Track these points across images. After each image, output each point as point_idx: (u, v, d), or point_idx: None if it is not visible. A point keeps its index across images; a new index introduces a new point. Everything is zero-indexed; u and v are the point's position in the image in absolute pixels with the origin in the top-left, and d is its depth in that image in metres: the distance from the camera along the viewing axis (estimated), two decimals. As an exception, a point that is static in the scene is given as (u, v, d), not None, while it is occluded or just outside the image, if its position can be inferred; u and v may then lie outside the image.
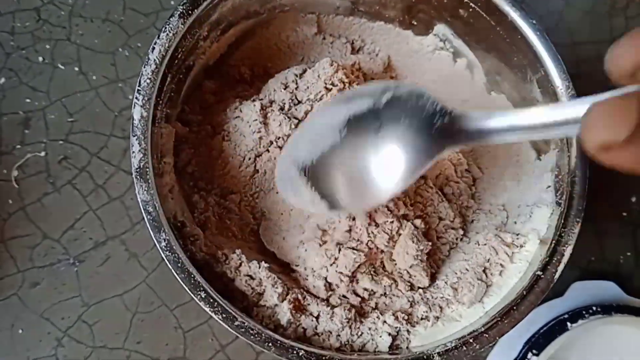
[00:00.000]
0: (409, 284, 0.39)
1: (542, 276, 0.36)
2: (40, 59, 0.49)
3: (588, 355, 0.46)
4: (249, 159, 0.38)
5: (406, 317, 0.37)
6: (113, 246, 0.47)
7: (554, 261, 0.36)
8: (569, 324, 0.44)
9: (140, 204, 0.32)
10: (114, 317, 0.46)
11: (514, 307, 0.35)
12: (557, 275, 0.36)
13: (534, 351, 0.43)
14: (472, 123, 0.29)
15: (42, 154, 0.48)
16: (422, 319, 0.38)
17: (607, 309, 0.45)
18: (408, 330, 0.37)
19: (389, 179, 0.31)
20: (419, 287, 0.40)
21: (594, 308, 0.45)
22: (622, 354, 0.47)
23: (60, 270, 0.46)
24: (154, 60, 0.34)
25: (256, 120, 0.37)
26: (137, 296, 0.46)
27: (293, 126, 0.37)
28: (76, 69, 0.50)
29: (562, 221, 0.37)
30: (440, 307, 0.39)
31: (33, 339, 0.45)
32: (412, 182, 0.31)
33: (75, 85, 0.49)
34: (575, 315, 0.45)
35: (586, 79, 0.52)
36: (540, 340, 0.44)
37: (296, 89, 0.39)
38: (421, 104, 0.30)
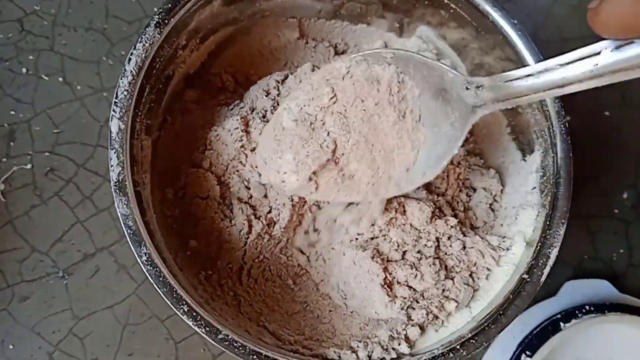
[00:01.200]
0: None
1: (529, 279, 0.36)
2: (24, 70, 0.49)
3: (582, 355, 0.46)
4: (232, 167, 0.38)
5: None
6: (102, 258, 0.47)
7: (540, 264, 0.36)
8: (562, 324, 0.44)
9: (120, 218, 0.32)
10: (104, 330, 0.46)
11: (501, 312, 0.35)
12: (543, 278, 0.36)
13: (528, 352, 0.43)
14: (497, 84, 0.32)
15: (29, 166, 0.48)
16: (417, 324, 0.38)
17: (601, 307, 0.45)
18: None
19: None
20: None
21: (588, 307, 0.45)
22: (617, 353, 0.46)
23: (50, 284, 0.46)
24: (131, 71, 0.33)
25: (237, 128, 0.36)
26: (128, 308, 0.46)
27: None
28: (60, 79, 0.49)
29: (548, 223, 0.36)
30: (434, 313, 0.38)
31: (24, 353, 0.45)
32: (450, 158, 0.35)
33: (60, 96, 0.49)
34: (569, 315, 0.44)
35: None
36: (533, 342, 0.44)
37: (278, 95, 0.38)
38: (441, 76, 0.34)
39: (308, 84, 0.35)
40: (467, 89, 0.34)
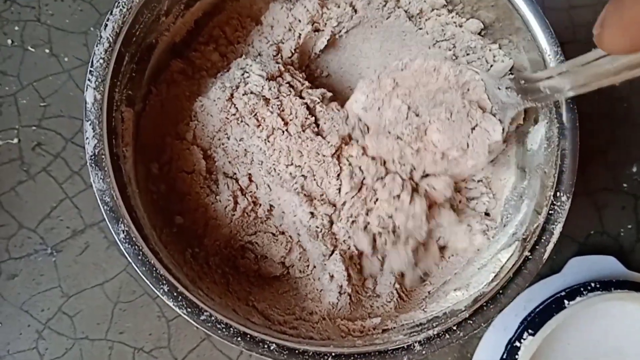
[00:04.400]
0: None
1: (531, 257, 0.34)
2: (9, 41, 0.47)
3: (587, 334, 0.44)
4: (218, 139, 0.36)
5: None
6: (92, 234, 0.45)
7: (542, 240, 0.34)
8: (566, 301, 0.42)
9: (96, 193, 0.30)
10: (95, 308, 0.45)
11: (501, 291, 0.33)
12: (545, 256, 0.33)
13: (530, 331, 0.42)
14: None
15: (15, 140, 0.46)
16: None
17: (607, 285, 0.43)
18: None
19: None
20: None
21: (593, 284, 0.43)
22: (623, 332, 0.45)
23: (38, 261, 0.45)
24: (107, 38, 0.31)
25: (220, 98, 0.34)
26: (118, 285, 0.45)
27: (258, 101, 0.34)
28: (47, 51, 0.48)
29: (552, 197, 0.34)
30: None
31: (13, 332, 0.44)
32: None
33: (47, 68, 0.47)
34: (573, 292, 0.43)
35: (582, 45, 0.50)
36: (536, 320, 0.42)
37: (264, 66, 0.36)
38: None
39: (368, 79, 0.36)
40: (499, 89, 0.35)
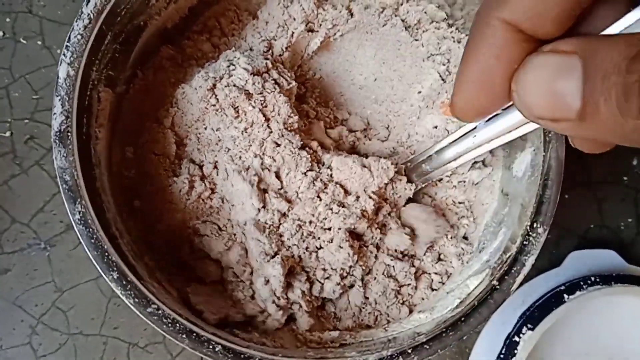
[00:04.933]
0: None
1: (498, 287, 0.32)
2: (1, 33, 0.47)
3: (587, 328, 0.44)
4: (195, 128, 0.35)
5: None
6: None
7: (512, 271, 0.32)
8: (566, 295, 0.42)
9: (57, 171, 0.29)
10: (89, 303, 0.44)
11: (462, 319, 0.32)
12: (514, 288, 0.32)
13: (529, 325, 0.41)
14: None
15: (7, 134, 0.45)
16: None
17: (607, 279, 0.43)
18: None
19: None
20: None
21: (593, 278, 0.42)
22: (624, 326, 0.44)
23: (32, 256, 0.44)
24: (88, 14, 0.30)
25: (202, 87, 0.34)
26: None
27: (240, 94, 0.34)
28: (39, 42, 0.47)
29: (528, 227, 0.33)
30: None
31: (6, 327, 0.44)
32: None
33: (39, 61, 0.47)
34: (573, 286, 0.42)
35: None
36: (535, 314, 0.42)
37: (252, 60, 0.35)
38: None
39: None
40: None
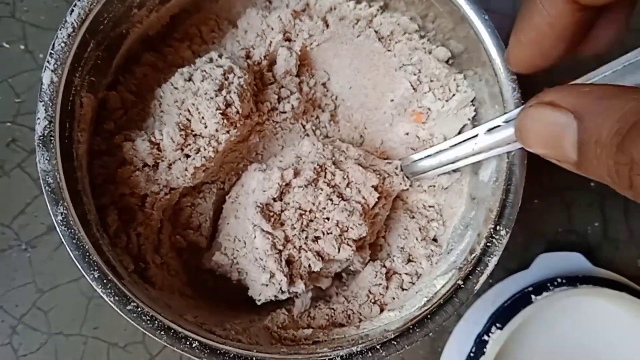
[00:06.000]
0: None
1: (463, 286, 0.33)
2: (-16, 37, 0.47)
3: (553, 327, 0.46)
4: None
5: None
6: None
7: (476, 271, 0.34)
8: (533, 296, 0.43)
9: (40, 174, 0.30)
10: (69, 303, 0.45)
11: (429, 316, 0.33)
12: (477, 287, 0.33)
13: (498, 325, 0.43)
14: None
15: (-11, 137, 0.46)
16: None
17: (572, 280, 0.44)
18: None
19: None
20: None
21: (559, 280, 0.44)
22: (588, 325, 0.46)
23: (12, 257, 0.45)
24: (72, 23, 0.31)
25: (179, 82, 0.34)
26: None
27: (215, 91, 0.34)
28: (22, 47, 0.48)
29: (492, 230, 0.34)
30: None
31: (-14, 327, 0.44)
32: None
33: (22, 65, 0.47)
34: (540, 287, 0.44)
35: (539, 84, 0.51)
36: (504, 314, 0.43)
37: (226, 71, 0.36)
38: None
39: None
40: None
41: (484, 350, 0.42)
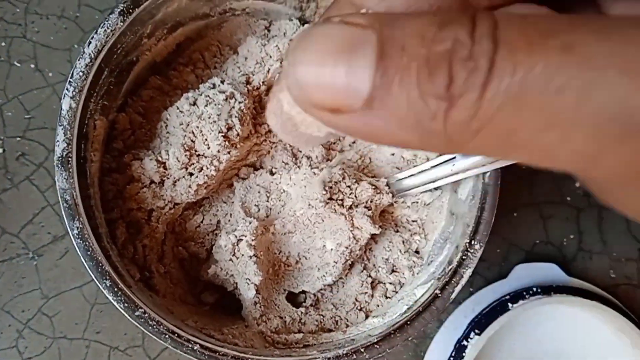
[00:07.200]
0: None
1: (440, 295, 0.37)
2: (-4, 56, 0.50)
3: (529, 334, 0.49)
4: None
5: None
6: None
7: (452, 282, 0.37)
8: (510, 304, 0.46)
9: (59, 191, 0.33)
10: (73, 309, 0.48)
11: (408, 322, 0.36)
12: (453, 295, 0.36)
13: (477, 331, 0.46)
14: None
15: (0, 150, 0.49)
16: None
17: (547, 289, 0.47)
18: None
19: None
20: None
21: (535, 289, 0.47)
22: (562, 332, 0.49)
23: (20, 264, 0.48)
24: (89, 54, 0.34)
25: (184, 106, 0.37)
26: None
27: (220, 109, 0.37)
28: (32, 66, 0.50)
29: (467, 244, 0.37)
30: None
31: (-6, 331, 0.47)
32: None
33: (32, 83, 0.50)
34: (516, 296, 0.47)
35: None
36: (482, 321, 0.46)
37: (228, 96, 0.39)
38: None
39: None
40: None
41: (463, 354, 0.45)
